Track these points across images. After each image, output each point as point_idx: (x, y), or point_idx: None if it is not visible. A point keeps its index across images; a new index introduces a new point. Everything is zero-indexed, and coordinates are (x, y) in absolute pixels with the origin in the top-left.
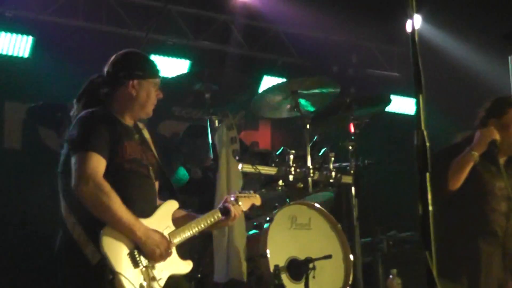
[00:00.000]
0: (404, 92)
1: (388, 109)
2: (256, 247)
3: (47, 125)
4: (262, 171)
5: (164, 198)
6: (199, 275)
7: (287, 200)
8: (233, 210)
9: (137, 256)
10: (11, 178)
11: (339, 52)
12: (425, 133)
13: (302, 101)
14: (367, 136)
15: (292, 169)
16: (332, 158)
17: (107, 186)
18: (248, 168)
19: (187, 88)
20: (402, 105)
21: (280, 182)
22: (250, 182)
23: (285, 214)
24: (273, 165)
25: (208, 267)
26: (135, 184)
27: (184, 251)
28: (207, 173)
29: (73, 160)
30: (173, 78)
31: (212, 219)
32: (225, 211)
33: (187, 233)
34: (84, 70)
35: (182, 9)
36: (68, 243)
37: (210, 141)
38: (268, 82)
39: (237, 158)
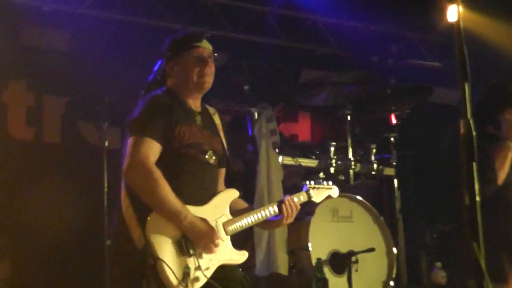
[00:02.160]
0: (446, 82)
1: (430, 99)
2: (297, 240)
3: (86, 119)
4: (303, 164)
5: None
6: (239, 269)
7: None
8: (285, 207)
9: (183, 244)
10: (51, 173)
11: (378, 42)
12: (471, 122)
13: (343, 93)
14: (409, 127)
15: (333, 161)
16: (374, 150)
17: (156, 172)
18: (288, 160)
19: (225, 81)
20: (444, 95)
21: (321, 175)
22: (291, 175)
23: (326, 207)
24: (313, 157)
25: (249, 260)
26: (191, 170)
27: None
28: (248, 166)
29: (127, 142)
30: None
31: (268, 213)
32: (280, 207)
33: (242, 223)
34: (121, 63)
35: (219, 0)
36: (120, 225)
37: (250, 133)
38: (306, 73)
39: (277, 150)
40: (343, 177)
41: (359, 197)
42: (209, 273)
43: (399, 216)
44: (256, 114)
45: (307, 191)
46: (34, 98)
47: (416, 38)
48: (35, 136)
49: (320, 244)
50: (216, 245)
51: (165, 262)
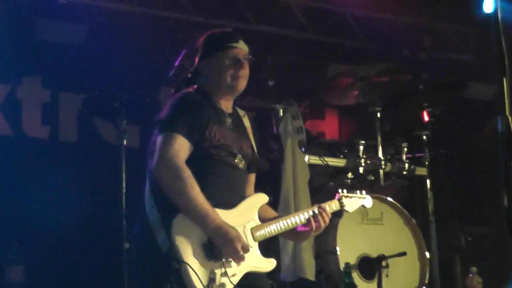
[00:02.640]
0: (482, 77)
1: (465, 95)
2: (325, 243)
3: (103, 116)
4: (330, 163)
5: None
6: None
7: None
8: (313, 220)
9: (209, 248)
10: (67, 173)
11: (410, 34)
12: (510, 119)
13: (372, 88)
14: (442, 125)
15: (362, 160)
16: (405, 149)
17: (186, 171)
18: (315, 159)
19: (249, 76)
20: (479, 91)
21: (350, 175)
22: (318, 175)
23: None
24: (341, 156)
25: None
26: (221, 172)
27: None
28: (273, 165)
29: (158, 140)
30: None
31: (298, 220)
32: (308, 219)
33: (271, 229)
34: (140, 58)
35: None
36: (144, 227)
37: (275, 131)
38: (334, 68)
39: (303, 149)
40: (373, 177)
41: (389, 199)
42: (235, 280)
43: (432, 218)
44: (281, 111)
45: (340, 200)
46: (50, 94)
47: (450, 30)
48: (51, 135)
49: (348, 248)
50: (242, 256)
51: (190, 266)
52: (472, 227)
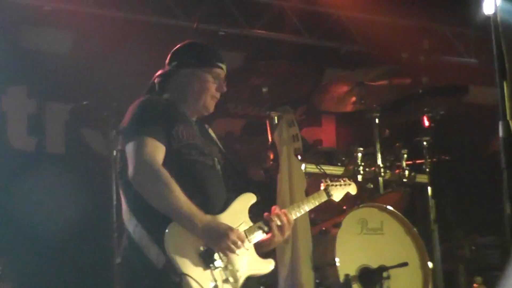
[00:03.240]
0: (483, 80)
1: (466, 99)
2: (323, 255)
3: (92, 126)
4: (328, 171)
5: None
6: (261, 287)
7: (356, 202)
8: (274, 224)
9: (206, 255)
10: (55, 185)
11: (408, 37)
12: (511, 124)
13: (369, 93)
14: (443, 130)
15: (361, 168)
16: (405, 155)
17: (165, 174)
18: (312, 168)
19: (242, 83)
20: (481, 94)
21: None
22: (315, 184)
23: (354, 218)
24: (339, 164)
25: (271, 277)
26: (197, 174)
27: None
28: (270, 174)
29: (127, 148)
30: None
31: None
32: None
33: (262, 232)
34: (129, 65)
35: None
36: (131, 248)
37: (270, 139)
38: (330, 73)
39: (300, 157)
40: (372, 185)
41: (389, 207)
42: (237, 286)
43: (434, 227)
44: (276, 118)
45: (326, 189)
46: (36, 105)
47: (450, 32)
48: (37, 146)
49: (348, 259)
50: (239, 246)
51: (191, 277)
52: (476, 236)
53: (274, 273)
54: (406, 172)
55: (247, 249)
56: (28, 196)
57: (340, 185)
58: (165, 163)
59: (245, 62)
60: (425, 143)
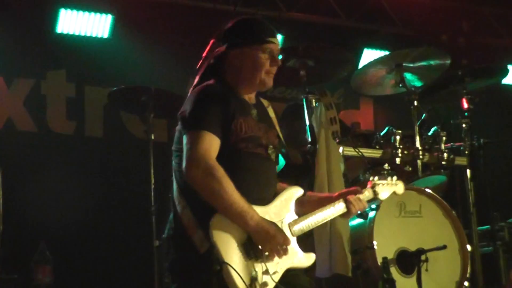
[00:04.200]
0: None
1: (505, 81)
2: (361, 238)
3: (130, 110)
4: (366, 154)
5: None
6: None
7: None
8: (353, 207)
9: (249, 247)
10: (94, 169)
11: (447, 19)
12: None
13: (408, 75)
14: (482, 112)
15: (399, 151)
16: (444, 138)
17: (219, 170)
18: (350, 151)
19: (280, 65)
20: None
21: (386, 166)
22: (353, 167)
23: (392, 201)
24: (377, 147)
25: None
26: (252, 166)
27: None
28: (306, 158)
29: (184, 139)
30: None
31: (335, 211)
32: (348, 206)
33: (309, 223)
34: (168, 49)
35: None
36: (177, 228)
37: (307, 122)
38: (369, 55)
39: (338, 140)
40: (410, 168)
41: (428, 190)
42: (277, 277)
43: (473, 210)
44: (313, 101)
45: (373, 188)
46: (74, 89)
47: (489, 13)
48: (76, 130)
49: (386, 242)
50: (285, 250)
51: (232, 267)
52: None
53: None
54: (445, 155)
55: (285, 246)
56: (68, 179)
57: (388, 184)
58: (221, 156)
59: (283, 45)
60: (464, 125)
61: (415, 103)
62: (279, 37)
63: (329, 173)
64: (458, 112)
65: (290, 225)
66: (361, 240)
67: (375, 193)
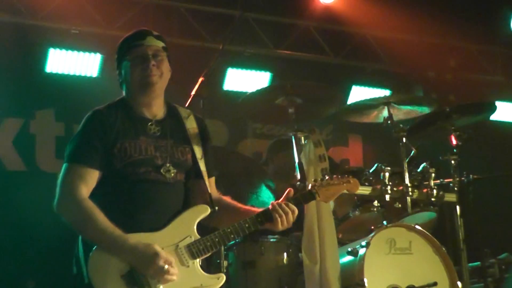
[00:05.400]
0: (510, 97)
1: (493, 117)
2: (352, 275)
3: None
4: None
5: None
6: None
7: (384, 222)
8: (277, 214)
9: (130, 277)
10: None
11: (434, 56)
12: None
13: (396, 112)
14: (470, 148)
15: (388, 187)
16: (433, 174)
17: (85, 203)
18: None
19: (268, 103)
20: (509, 112)
21: (376, 203)
22: (342, 204)
23: (382, 238)
24: (366, 184)
25: None
26: (140, 193)
27: (273, 280)
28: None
29: (61, 171)
30: (252, 93)
31: (247, 228)
32: (268, 217)
33: (211, 244)
34: None
35: (260, 16)
36: (75, 259)
37: (296, 160)
38: (357, 92)
39: (327, 177)
40: (400, 205)
41: (418, 227)
42: None
43: (463, 246)
44: (302, 138)
45: (310, 191)
46: (64, 127)
47: (476, 50)
48: None
49: (376, 279)
50: (167, 271)
51: None
52: (505, 255)
53: None
54: (434, 192)
55: (188, 266)
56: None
57: (333, 184)
58: (107, 185)
59: (271, 82)
60: (453, 161)
61: (403, 139)
62: (151, 39)
63: (318, 210)
64: (446, 148)
65: (190, 247)
66: (352, 277)
67: (313, 196)
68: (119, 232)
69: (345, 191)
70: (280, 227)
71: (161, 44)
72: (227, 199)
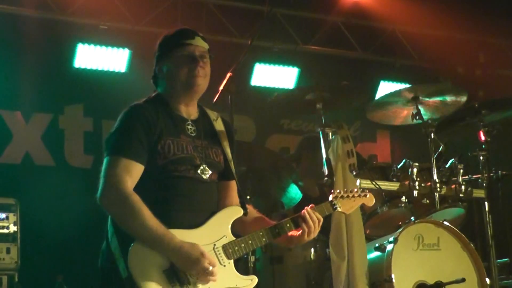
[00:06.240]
0: None
1: None
2: (379, 271)
3: None
4: (383, 187)
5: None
6: None
7: (412, 218)
8: (304, 223)
9: (172, 273)
10: None
11: (464, 51)
12: None
13: (424, 108)
14: (500, 144)
15: (417, 183)
16: (461, 170)
17: (132, 196)
18: (367, 184)
19: (296, 98)
20: None
21: (403, 199)
22: None
23: (410, 234)
24: (394, 179)
25: None
26: (180, 189)
27: (300, 276)
28: (324, 190)
29: (103, 164)
30: (281, 90)
31: (281, 230)
32: (298, 223)
33: (247, 245)
34: None
35: (288, 12)
36: (107, 254)
37: (324, 155)
38: (385, 87)
39: (355, 173)
40: (428, 201)
41: (446, 223)
42: None
43: (492, 242)
44: (330, 134)
45: (331, 202)
46: (92, 123)
47: (506, 45)
48: (94, 164)
49: (404, 275)
50: (211, 273)
51: None
52: None
53: None
54: (463, 187)
55: (224, 265)
56: (86, 213)
57: (352, 196)
58: (148, 181)
59: (299, 78)
60: (481, 157)
61: (432, 135)
62: (199, 39)
63: None
64: (475, 144)
65: (226, 247)
66: (379, 273)
67: (333, 207)
68: (165, 230)
69: (363, 203)
70: (306, 238)
71: (207, 46)
72: (249, 207)
